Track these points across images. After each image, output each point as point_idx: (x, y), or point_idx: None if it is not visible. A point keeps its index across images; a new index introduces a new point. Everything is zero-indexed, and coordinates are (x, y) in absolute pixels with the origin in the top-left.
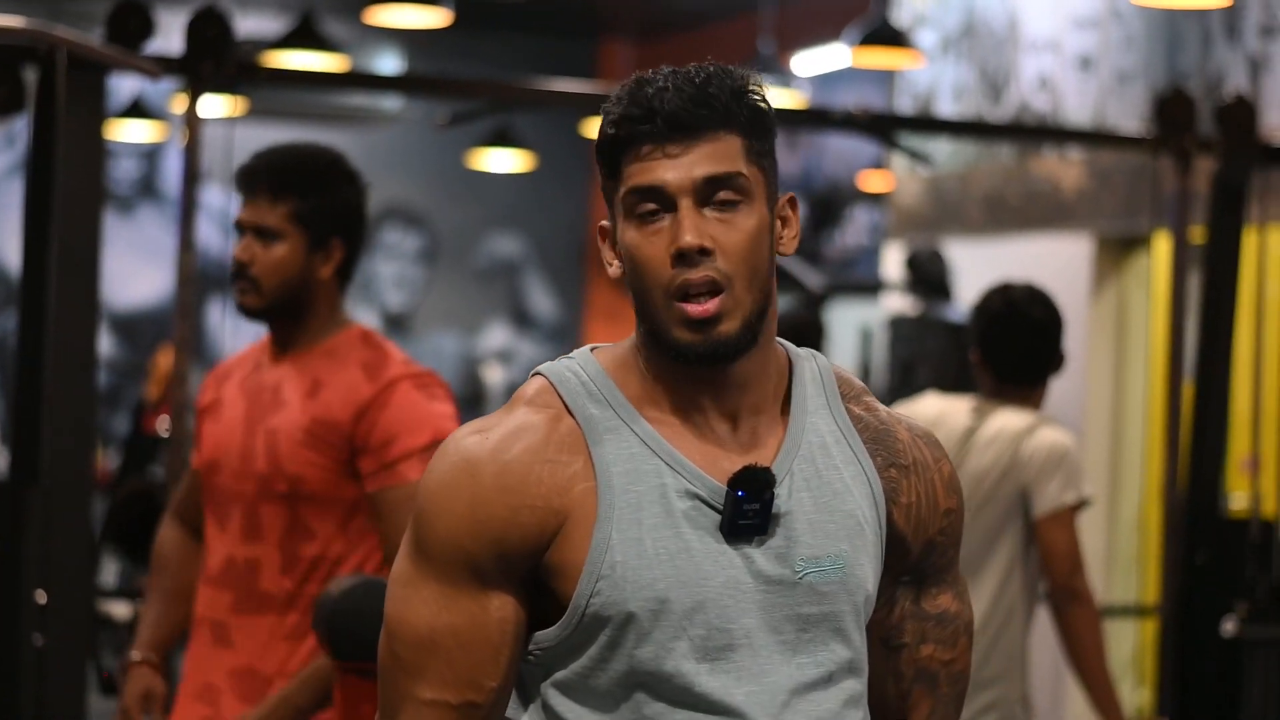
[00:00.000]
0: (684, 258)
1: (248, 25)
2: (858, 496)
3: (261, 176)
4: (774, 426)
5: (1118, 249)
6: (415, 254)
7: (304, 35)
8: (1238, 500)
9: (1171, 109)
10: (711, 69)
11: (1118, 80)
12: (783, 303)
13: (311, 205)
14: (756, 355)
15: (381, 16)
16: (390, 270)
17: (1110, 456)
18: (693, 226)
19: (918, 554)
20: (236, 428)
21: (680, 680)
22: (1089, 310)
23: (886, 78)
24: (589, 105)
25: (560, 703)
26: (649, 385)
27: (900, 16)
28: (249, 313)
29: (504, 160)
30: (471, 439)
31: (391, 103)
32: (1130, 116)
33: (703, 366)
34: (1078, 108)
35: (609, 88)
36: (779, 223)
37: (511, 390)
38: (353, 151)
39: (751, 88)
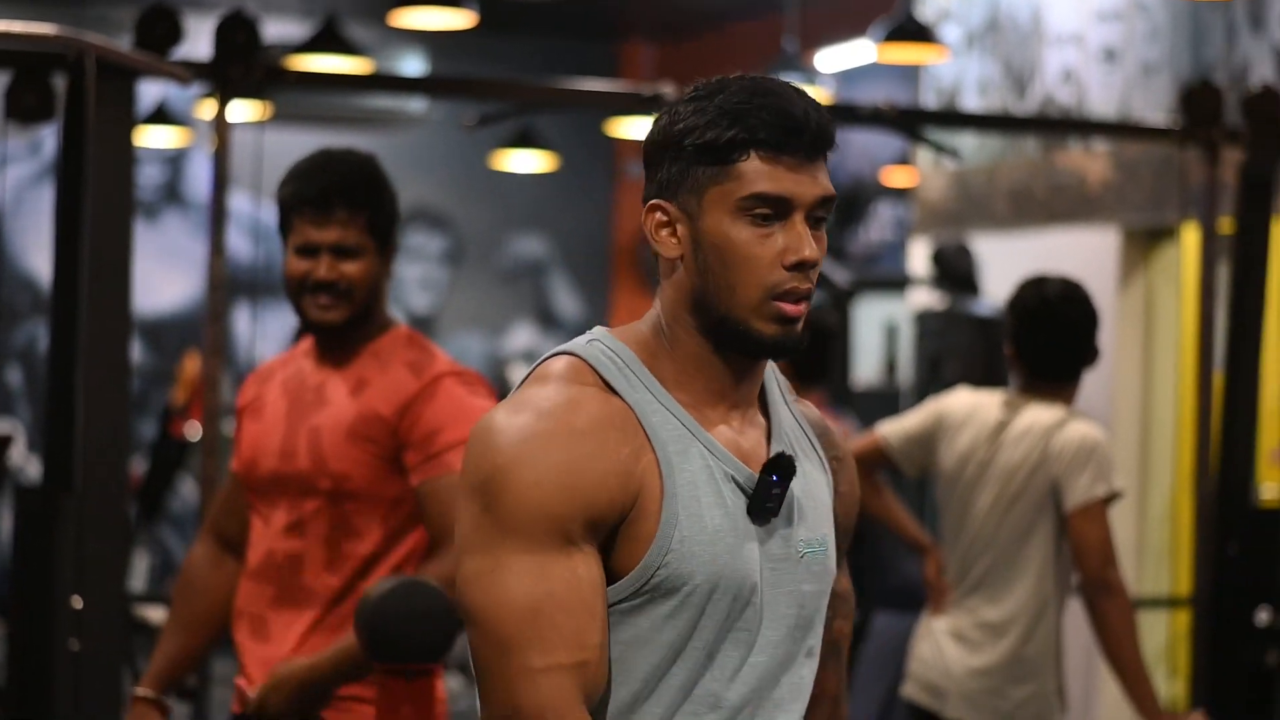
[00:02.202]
0: (801, 268)
1: (273, 30)
2: (822, 485)
3: (335, 195)
4: (758, 417)
5: (1144, 241)
6: (440, 255)
7: (329, 39)
8: (1269, 491)
9: (1198, 100)
10: (799, 88)
11: (1142, 72)
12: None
13: (382, 214)
14: None
15: (405, 19)
16: (415, 272)
17: (1140, 449)
18: (812, 242)
19: (840, 537)
20: (278, 426)
21: (711, 650)
22: (1116, 303)
23: (911, 73)
24: (612, 105)
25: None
26: (675, 367)
27: (924, 12)
28: (333, 328)
29: (528, 161)
30: (522, 415)
31: (416, 105)
32: (1155, 108)
33: (769, 357)
34: (1103, 100)
35: (632, 88)
36: None
37: None
38: (378, 154)
39: None
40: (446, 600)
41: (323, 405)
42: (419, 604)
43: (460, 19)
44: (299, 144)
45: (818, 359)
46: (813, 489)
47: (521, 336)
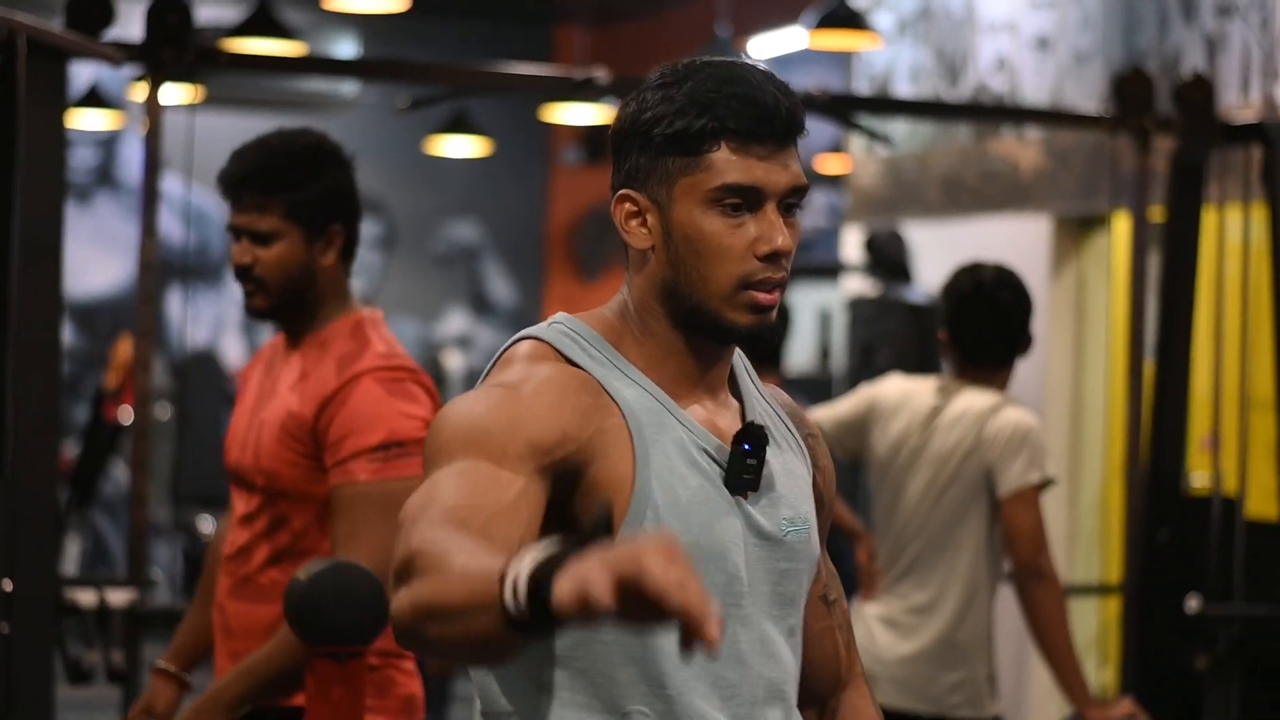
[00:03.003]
0: (774, 258)
1: (205, 13)
2: (800, 465)
3: (247, 181)
4: (729, 399)
5: (1076, 229)
6: (373, 240)
7: (261, 22)
8: (1198, 479)
9: (1129, 89)
10: (770, 72)
11: (1075, 61)
12: None
13: (303, 199)
14: None
15: (338, 2)
16: None
17: (1071, 436)
18: (784, 231)
19: (825, 514)
20: (245, 415)
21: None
22: (1048, 290)
23: (844, 60)
24: (546, 89)
25: (581, 644)
26: (644, 350)
27: None
28: (259, 314)
29: (461, 146)
30: (481, 390)
31: (349, 88)
32: (1088, 97)
33: (742, 344)
34: (1035, 88)
35: (565, 72)
36: None
37: (471, 376)
38: None
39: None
40: (377, 582)
41: (272, 398)
42: (349, 586)
43: (393, 2)
44: (231, 127)
45: (773, 342)
46: (791, 467)
47: (455, 322)
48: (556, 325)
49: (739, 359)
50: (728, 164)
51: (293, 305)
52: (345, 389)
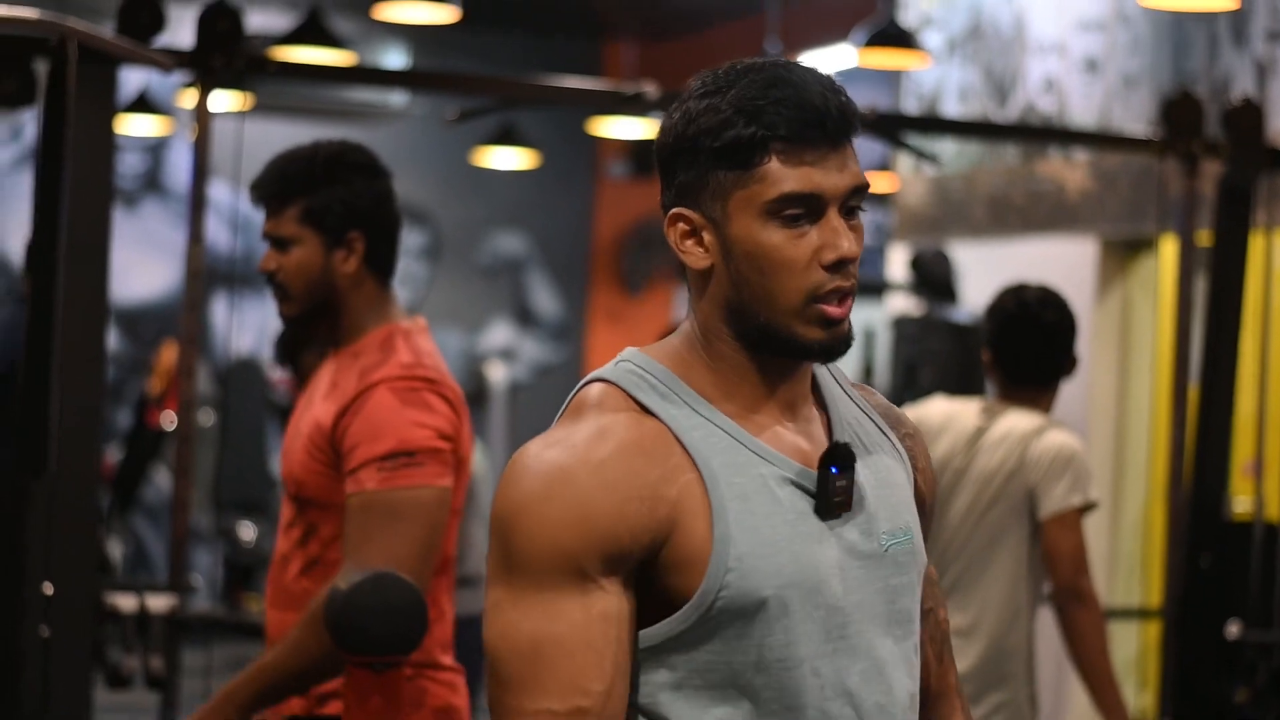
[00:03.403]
0: (841, 265)
1: (256, 20)
2: (898, 470)
3: (266, 186)
4: (814, 410)
5: (1122, 252)
6: (419, 251)
7: (311, 30)
8: (1241, 504)
9: (1178, 112)
10: (815, 70)
11: (1124, 83)
12: None
13: (319, 203)
14: None
15: (389, 12)
16: None
17: (1114, 459)
18: (848, 235)
19: (927, 517)
20: (295, 422)
21: (809, 664)
22: (1093, 313)
23: (892, 79)
24: (595, 103)
25: (669, 704)
26: (717, 378)
27: (907, 17)
28: (287, 321)
29: (508, 158)
30: (551, 450)
31: (397, 99)
32: (1136, 119)
33: (818, 361)
34: (1083, 110)
35: (614, 87)
36: None
37: (514, 388)
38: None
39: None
40: (417, 593)
41: (308, 408)
42: (388, 596)
43: (443, 13)
44: (280, 135)
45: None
46: (887, 476)
47: (499, 334)
48: (624, 364)
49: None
50: (783, 173)
51: (320, 314)
52: (361, 398)
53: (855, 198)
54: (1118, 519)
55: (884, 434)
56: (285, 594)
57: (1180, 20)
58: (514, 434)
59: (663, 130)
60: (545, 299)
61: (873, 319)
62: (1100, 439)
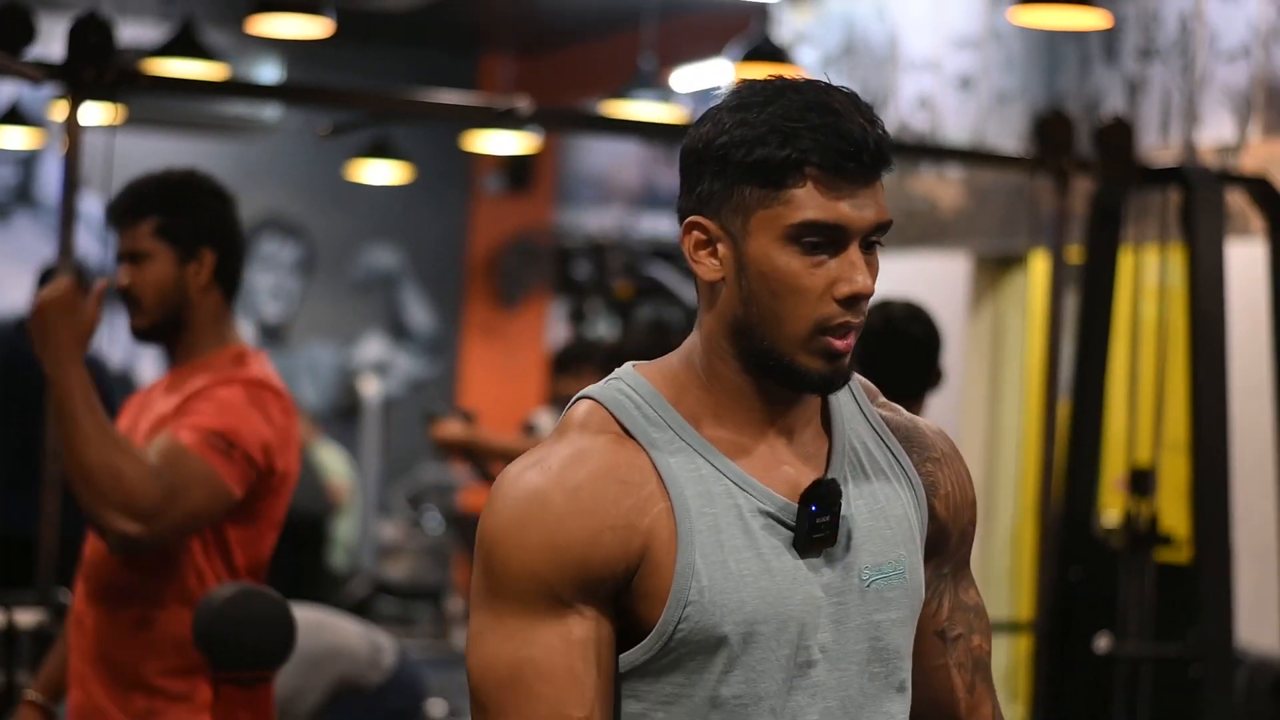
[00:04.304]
0: (854, 301)
1: (128, 33)
2: (904, 499)
3: (122, 204)
4: (820, 437)
5: (995, 268)
6: (292, 265)
7: (184, 43)
8: (1110, 518)
9: (1050, 129)
10: (855, 97)
11: (997, 100)
12: (667, 316)
13: (173, 219)
14: None
15: (262, 26)
16: (267, 281)
17: (985, 474)
18: (866, 272)
19: (955, 543)
20: (127, 430)
21: (768, 703)
22: (965, 328)
23: None
24: (469, 118)
25: None
26: (709, 400)
27: (781, 34)
28: (139, 335)
29: (383, 172)
30: (530, 472)
31: (271, 113)
32: (1009, 136)
33: (814, 393)
34: (957, 127)
35: (488, 101)
36: None
37: (388, 403)
38: (231, 161)
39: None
40: (285, 607)
41: (146, 410)
42: (257, 611)
43: (317, 27)
44: (152, 148)
45: None
46: (885, 507)
47: (373, 348)
48: (614, 383)
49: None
50: (810, 199)
51: (171, 328)
52: (214, 386)
53: (877, 233)
54: (989, 533)
55: (895, 459)
56: (109, 589)
57: (1053, 39)
58: (387, 448)
59: (690, 136)
60: (419, 313)
61: None
62: (972, 453)
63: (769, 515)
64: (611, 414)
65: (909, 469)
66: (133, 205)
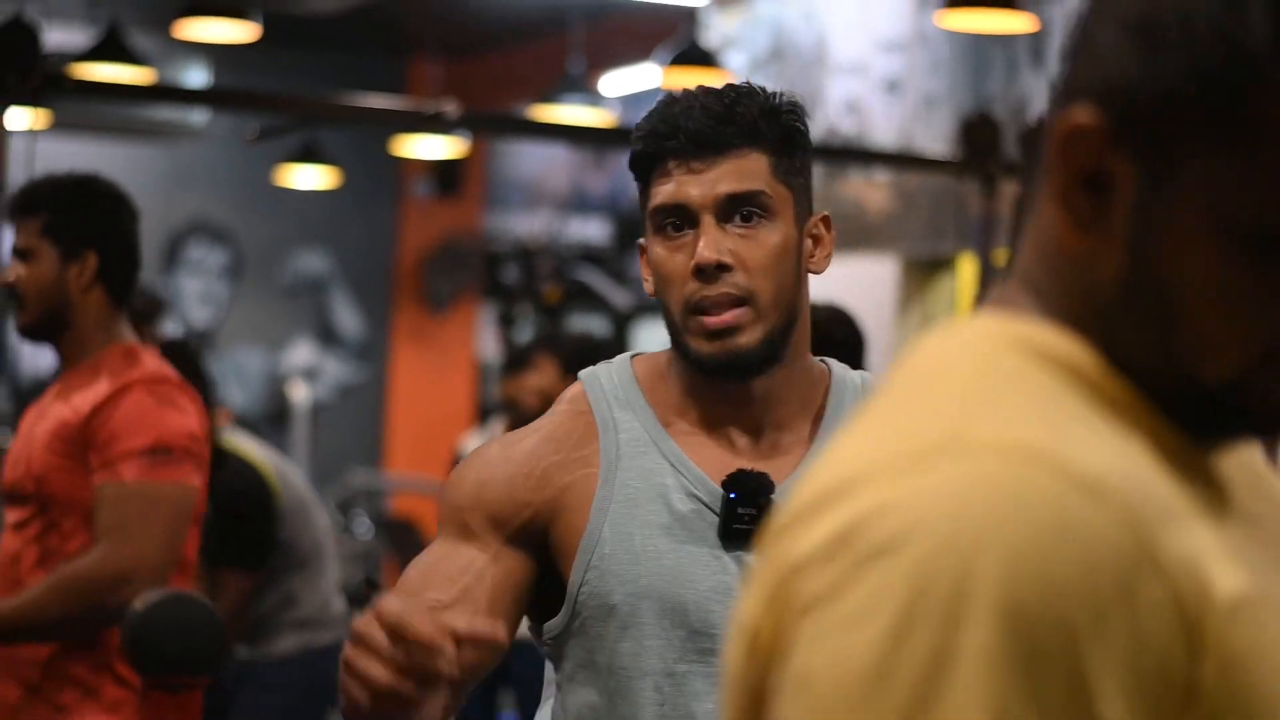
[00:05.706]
0: (702, 273)
1: (54, 37)
2: None
3: (18, 200)
4: (799, 442)
5: (923, 271)
6: (220, 270)
7: (110, 48)
8: None
9: (977, 133)
10: (744, 89)
11: (924, 104)
12: (592, 322)
13: (58, 219)
14: (781, 371)
15: (189, 30)
16: (195, 286)
17: None
18: (712, 242)
19: None
20: (19, 441)
21: (652, 679)
22: (894, 331)
23: None
24: (397, 122)
25: (568, 693)
26: (677, 395)
27: (709, 38)
28: (23, 332)
29: (310, 177)
30: (495, 441)
31: (198, 117)
32: (936, 140)
33: (722, 378)
34: (884, 130)
35: (415, 105)
36: (809, 241)
37: (316, 408)
38: (159, 166)
39: (785, 108)
40: (213, 613)
41: (44, 418)
42: (184, 617)
43: (244, 31)
44: (77, 153)
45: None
46: None
47: (301, 353)
48: (604, 366)
49: (855, 394)
50: (660, 187)
51: (53, 327)
52: (118, 395)
53: (737, 205)
54: None
55: None
56: (21, 586)
57: (979, 42)
58: (316, 453)
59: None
60: (348, 318)
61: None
62: None
63: (698, 500)
64: (585, 392)
65: None
66: (26, 202)
